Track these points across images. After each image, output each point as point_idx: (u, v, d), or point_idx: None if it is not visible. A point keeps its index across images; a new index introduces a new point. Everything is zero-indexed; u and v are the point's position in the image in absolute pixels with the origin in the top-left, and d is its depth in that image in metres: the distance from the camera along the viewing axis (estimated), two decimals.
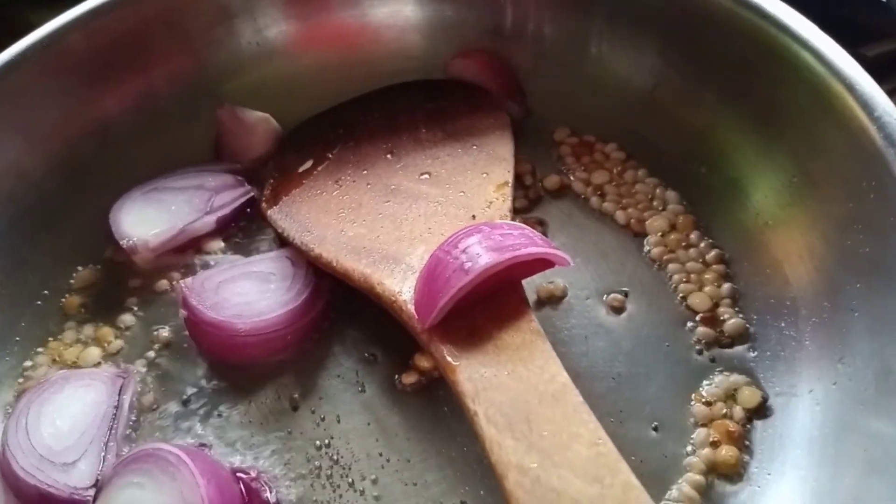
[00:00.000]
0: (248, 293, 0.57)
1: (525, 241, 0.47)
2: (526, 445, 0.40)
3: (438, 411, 0.53)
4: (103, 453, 0.51)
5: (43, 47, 0.62)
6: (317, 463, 0.52)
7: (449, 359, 0.46)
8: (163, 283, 0.62)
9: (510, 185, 0.58)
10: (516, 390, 0.43)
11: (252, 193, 0.66)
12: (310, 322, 0.57)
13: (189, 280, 0.58)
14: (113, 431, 0.52)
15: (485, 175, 0.59)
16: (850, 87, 0.50)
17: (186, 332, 0.58)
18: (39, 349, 0.59)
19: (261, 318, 0.55)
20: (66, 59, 0.63)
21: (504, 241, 0.47)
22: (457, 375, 0.45)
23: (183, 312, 0.56)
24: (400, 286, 0.51)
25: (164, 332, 0.59)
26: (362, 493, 0.50)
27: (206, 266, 0.62)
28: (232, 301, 0.56)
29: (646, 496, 0.38)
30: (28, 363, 0.58)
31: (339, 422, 0.54)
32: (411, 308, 0.49)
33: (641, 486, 0.38)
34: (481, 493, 0.49)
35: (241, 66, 0.70)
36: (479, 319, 0.47)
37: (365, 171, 0.63)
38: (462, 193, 0.58)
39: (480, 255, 0.46)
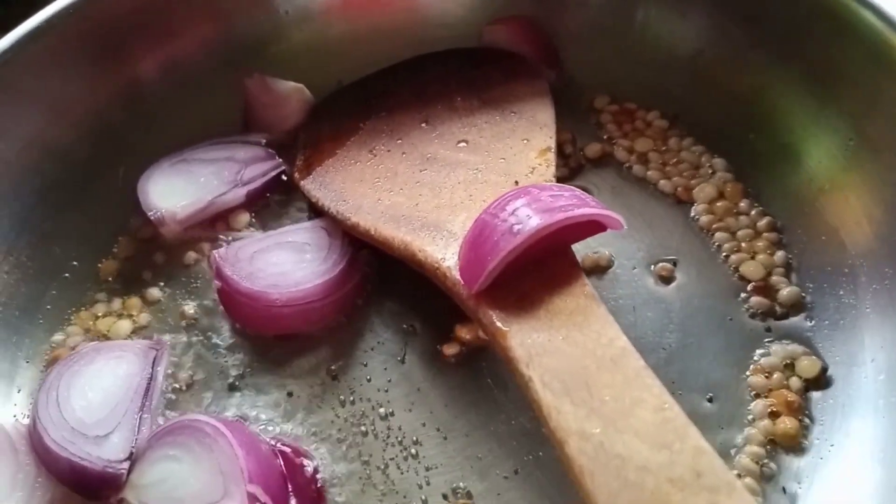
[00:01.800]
0: (283, 263, 0.55)
1: (577, 202, 0.45)
2: (586, 411, 0.38)
3: (482, 382, 0.52)
4: (137, 426, 0.49)
5: (68, 15, 0.60)
6: (357, 436, 0.50)
7: (499, 324, 0.44)
8: (191, 256, 0.60)
9: (553, 151, 0.56)
10: (572, 355, 0.41)
11: (283, 167, 0.64)
12: (346, 294, 0.55)
13: (222, 250, 0.56)
14: (147, 404, 0.50)
15: (525, 141, 0.57)
16: None
17: (219, 305, 0.56)
18: (69, 322, 0.58)
19: (297, 288, 0.53)
20: (91, 28, 0.61)
21: (554, 202, 0.45)
22: (508, 341, 0.43)
23: (217, 283, 0.54)
24: (443, 253, 0.49)
25: (195, 305, 0.58)
26: (405, 465, 0.49)
27: (236, 239, 0.60)
28: (267, 271, 0.54)
29: (719, 461, 0.36)
30: (58, 336, 0.57)
31: (379, 393, 0.52)
32: (456, 274, 0.47)
33: (714, 451, 0.36)
34: (529, 463, 0.48)
35: (271, 35, 0.69)
36: (529, 285, 0.45)
37: (399, 141, 0.61)
38: (503, 160, 0.56)
39: (531, 217, 0.44)
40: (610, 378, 0.40)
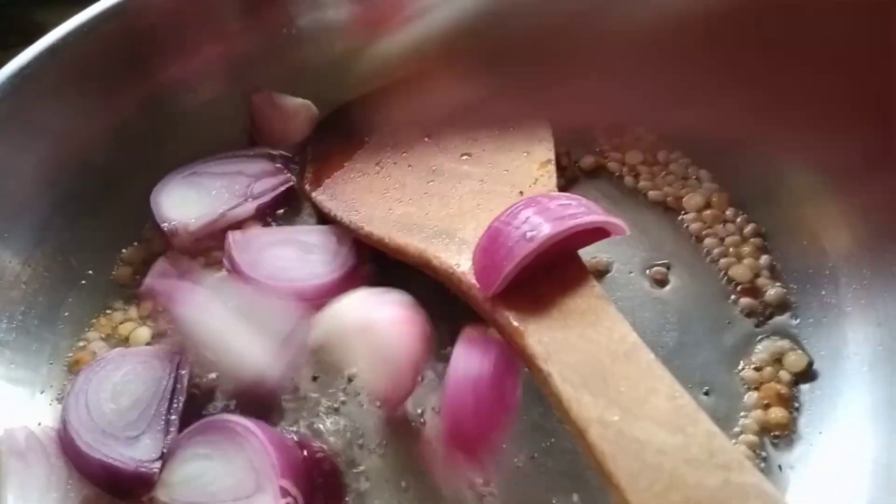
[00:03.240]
0: (287, 258, 0.58)
1: (585, 210, 0.48)
2: (605, 401, 0.42)
3: None
4: (166, 427, 0.51)
5: (84, 33, 0.62)
6: (374, 435, 0.53)
7: (516, 324, 0.47)
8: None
9: (553, 162, 0.59)
10: (587, 351, 0.44)
11: (292, 182, 0.66)
12: None
13: (238, 234, 0.58)
14: (174, 406, 0.52)
15: (526, 154, 0.61)
16: None
17: None
18: (88, 329, 0.60)
19: (290, 284, 0.56)
20: (107, 45, 0.63)
21: (564, 210, 0.48)
22: (526, 339, 0.46)
23: (226, 263, 0.56)
24: (457, 259, 0.52)
25: None
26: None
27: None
28: (270, 263, 0.57)
29: (729, 442, 0.39)
30: (79, 343, 0.59)
31: None
32: (471, 279, 0.50)
33: (723, 434, 0.39)
34: (543, 452, 0.51)
35: (278, 53, 0.71)
36: (542, 288, 0.48)
37: (405, 154, 0.64)
38: (506, 172, 0.59)
39: (542, 224, 0.47)
40: (624, 370, 0.43)
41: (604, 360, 0.44)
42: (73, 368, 0.57)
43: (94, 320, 0.60)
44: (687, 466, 0.38)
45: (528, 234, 0.47)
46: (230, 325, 0.52)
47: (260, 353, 0.52)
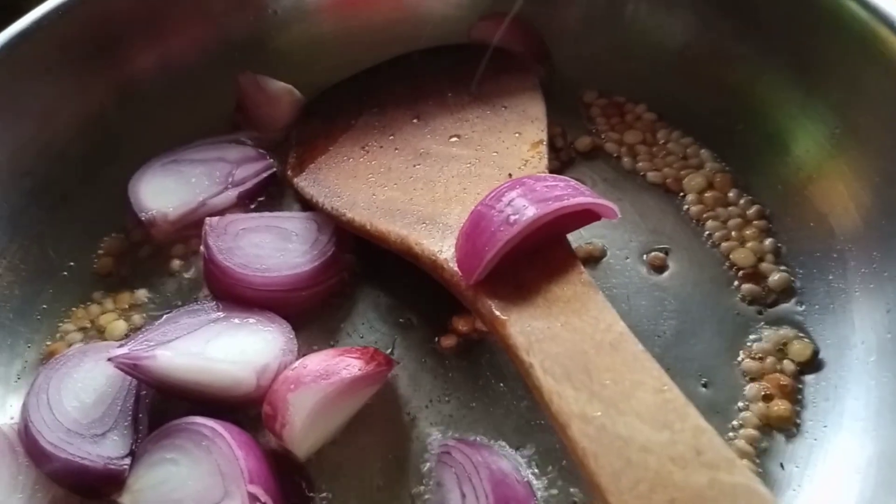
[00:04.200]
0: (263, 246, 0.56)
1: (572, 192, 0.46)
2: (587, 394, 0.39)
3: (480, 373, 0.52)
4: (135, 425, 0.49)
5: (58, 17, 0.60)
6: (354, 428, 0.50)
7: (497, 313, 0.44)
8: (178, 258, 0.61)
9: (545, 143, 0.57)
10: (571, 341, 0.42)
11: (274, 168, 0.64)
12: (315, 293, 0.56)
13: (215, 220, 0.56)
14: (142, 402, 0.50)
15: (517, 135, 0.58)
16: None
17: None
18: (64, 321, 0.57)
19: (263, 274, 0.54)
20: (82, 30, 0.61)
21: (549, 192, 0.45)
22: (507, 329, 0.43)
23: (203, 249, 0.55)
24: (439, 245, 0.49)
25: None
26: (402, 458, 0.49)
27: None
28: (245, 250, 0.55)
29: (719, 439, 0.36)
30: (54, 336, 0.57)
31: None
32: (453, 266, 0.48)
33: (713, 430, 0.37)
34: (530, 450, 0.48)
35: (262, 35, 0.69)
36: (526, 274, 0.46)
37: (392, 137, 0.61)
38: (495, 153, 0.57)
39: (526, 207, 0.44)
40: (609, 362, 0.40)
41: (588, 351, 0.41)
42: (48, 361, 0.55)
43: (70, 313, 0.58)
44: (673, 465, 0.36)
45: (512, 218, 0.44)
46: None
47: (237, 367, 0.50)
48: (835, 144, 0.54)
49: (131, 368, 0.49)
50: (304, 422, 0.47)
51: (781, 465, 0.47)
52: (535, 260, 0.46)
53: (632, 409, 0.38)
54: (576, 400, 0.39)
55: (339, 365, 0.48)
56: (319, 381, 0.47)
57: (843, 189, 0.53)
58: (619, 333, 0.42)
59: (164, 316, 0.53)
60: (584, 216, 0.47)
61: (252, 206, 0.62)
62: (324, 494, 0.48)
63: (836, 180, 0.54)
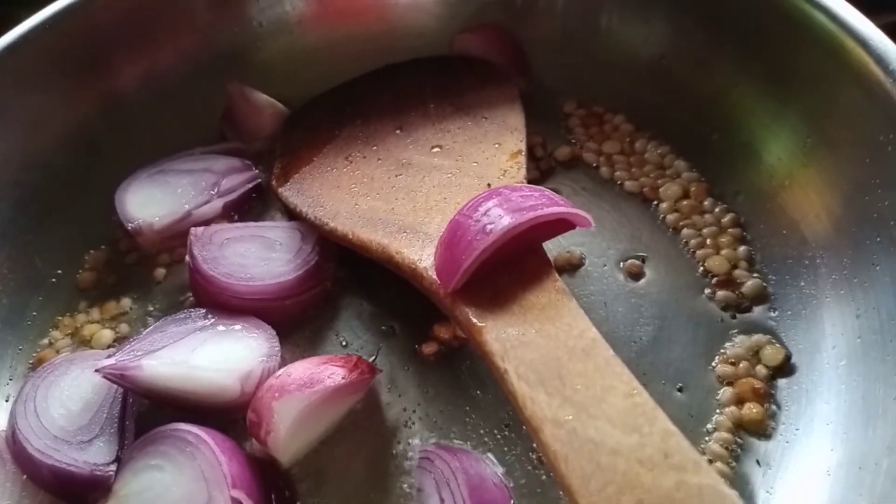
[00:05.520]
0: (248, 256, 0.56)
1: (546, 202, 0.47)
2: (560, 399, 0.40)
3: (461, 380, 0.53)
4: (121, 431, 0.50)
5: (45, 29, 0.61)
6: (338, 434, 0.51)
7: (474, 320, 0.45)
8: (162, 269, 0.61)
9: (523, 154, 0.58)
10: (545, 347, 0.43)
11: (260, 179, 0.65)
12: (299, 302, 0.57)
13: (200, 229, 0.57)
14: (129, 409, 0.51)
15: (497, 145, 0.59)
16: (864, 44, 0.50)
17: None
18: (53, 330, 0.59)
19: (247, 283, 0.55)
20: (69, 42, 0.62)
21: (525, 202, 0.46)
22: (483, 336, 0.44)
23: (188, 259, 0.55)
24: (419, 254, 0.50)
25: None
26: (383, 461, 0.50)
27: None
28: (230, 259, 0.56)
29: (686, 442, 0.37)
30: (43, 342, 0.58)
31: None
32: (433, 274, 0.49)
33: (680, 433, 0.37)
34: (509, 455, 0.49)
35: (247, 46, 0.70)
36: (503, 282, 0.47)
37: (375, 147, 0.63)
38: (475, 164, 0.58)
39: (502, 217, 0.45)
40: (582, 367, 0.41)
41: (561, 357, 0.42)
42: (37, 368, 0.55)
43: (59, 321, 0.59)
44: (641, 467, 0.37)
45: (488, 227, 0.45)
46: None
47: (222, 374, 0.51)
48: (807, 153, 0.55)
49: (119, 378, 0.49)
50: (288, 429, 0.47)
51: (756, 466, 0.48)
52: (512, 268, 0.47)
53: (602, 414, 0.39)
54: (548, 405, 0.40)
55: (323, 373, 0.49)
56: (304, 389, 0.48)
57: (815, 197, 0.54)
58: (592, 339, 0.43)
59: (153, 325, 0.54)
60: (560, 225, 0.48)
61: (235, 217, 0.63)
62: (307, 499, 0.49)
63: (807, 188, 0.55)
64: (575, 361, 0.42)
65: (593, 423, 0.39)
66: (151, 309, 0.59)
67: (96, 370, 0.49)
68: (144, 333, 0.53)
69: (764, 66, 0.58)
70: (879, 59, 0.49)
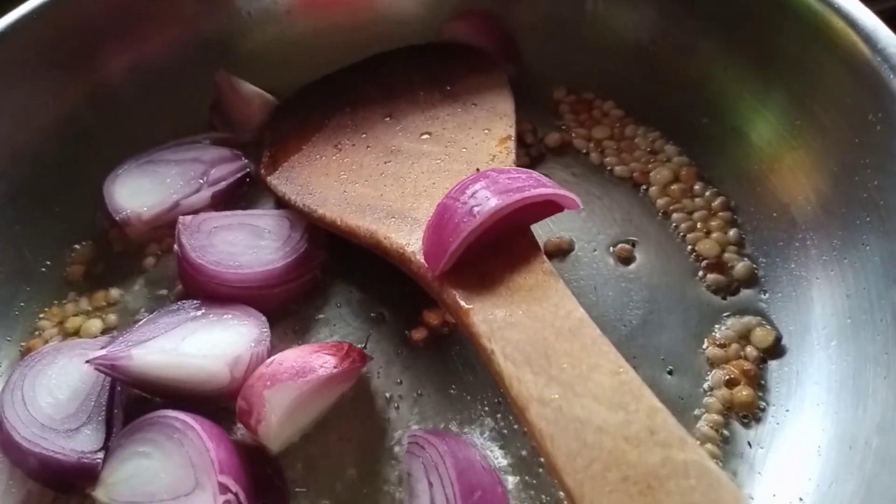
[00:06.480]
0: (236, 244, 0.56)
1: (533, 183, 0.46)
2: (546, 378, 0.40)
3: (450, 365, 0.53)
4: (109, 419, 0.50)
5: (33, 19, 0.61)
6: (328, 421, 0.51)
7: (462, 303, 0.45)
8: (152, 257, 0.61)
9: (512, 139, 0.58)
10: (532, 328, 0.42)
11: (249, 168, 0.65)
12: (288, 289, 0.56)
13: (188, 218, 0.57)
14: (117, 399, 0.51)
15: (486, 131, 0.59)
16: (852, 23, 0.50)
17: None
18: (41, 322, 0.58)
19: (236, 271, 0.54)
20: (56, 32, 0.62)
21: (512, 184, 0.46)
22: (471, 318, 0.44)
23: (176, 248, 0.55)
24: (407, 238, 0.50)
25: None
26: (377, 447, 0.50)
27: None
28: (218, 248, 0.55)
29: (672, 419, 0.37)
30: (31, 332, 0.58)
31: None
32: (420, 259, 0.48)
33: (666, 409, 0.37)
34: (498, 442, 0.49)
35: (235, 36, 0.70)
36: (490, 265, 0.47)
37: (364, 135, 0.62)
38: (465, 150, 0.58)
39: (489, 199, 0.45)
40: (568, 347, 0.41)
41: (548, 337, 0.42)
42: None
43: (47, 312, 0.59)
44: (627, 444, 0.36)
45: (475, 210, 0.45)
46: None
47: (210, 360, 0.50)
48: (795, 136, 0.55)
49: (109, 369, 0.49)
50: (279, 418, 0.47)
51: (747, 447, 0.48)
52: (500, 250, 0.47)
53: (588, 392, 0.39)
54: (534, 384, 0.40)
55: (315, 362, 0.49)
56: (296, 378, 0.48)
57: (804, 179, 0.54)
58: (578, 319, 0.42)
59: (146, 317, 0.54)
60: (547, 207, 0.48)
61: (223, 208, 0.62)
62: (297, 486, 0.49)
63: (797, 170, 0.55)
64: (562, 341, 0.41)
65: (579, 401, 0.38)
66: (140, 298, 0.59)
67: (87, 361, 0.49)
68: (138, 325, 0.53)
69: (752, 49, 0.58)
70: (867, 38, 0.49)
